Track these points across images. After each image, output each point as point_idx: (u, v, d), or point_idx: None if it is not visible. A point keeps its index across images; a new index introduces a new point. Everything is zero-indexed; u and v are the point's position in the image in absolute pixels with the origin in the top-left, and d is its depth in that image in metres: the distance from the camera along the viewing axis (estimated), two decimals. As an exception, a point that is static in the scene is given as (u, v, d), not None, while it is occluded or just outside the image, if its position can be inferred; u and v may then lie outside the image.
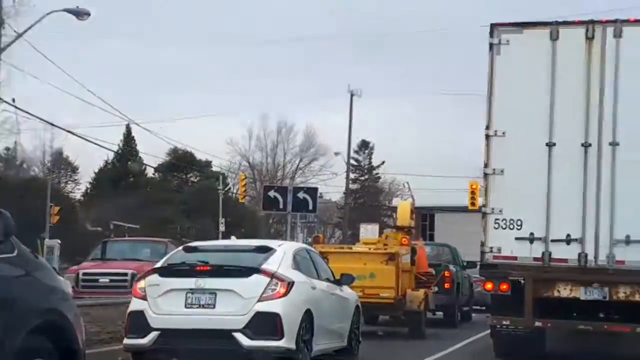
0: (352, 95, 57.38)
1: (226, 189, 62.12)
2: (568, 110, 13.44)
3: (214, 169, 69.50)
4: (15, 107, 25.82)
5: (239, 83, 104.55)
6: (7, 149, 68.69)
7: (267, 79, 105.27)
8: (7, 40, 25.19)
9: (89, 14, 28.02)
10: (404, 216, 20.59)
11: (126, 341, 11.97)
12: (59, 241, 39.97)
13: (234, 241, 13.95)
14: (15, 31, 26.14)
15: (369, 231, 20.56)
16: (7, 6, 25.48)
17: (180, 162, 65.12)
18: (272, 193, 30.96)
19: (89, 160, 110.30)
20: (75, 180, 76.12)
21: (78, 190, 75.51)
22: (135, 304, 11.91)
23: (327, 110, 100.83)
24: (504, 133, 13.61)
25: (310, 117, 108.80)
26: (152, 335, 11.52)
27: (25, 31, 26.83)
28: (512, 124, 13.62)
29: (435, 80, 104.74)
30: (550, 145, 13.45)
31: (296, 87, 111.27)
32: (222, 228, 52.05)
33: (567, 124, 13.44)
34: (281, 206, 29.75)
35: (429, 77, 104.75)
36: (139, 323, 11.67)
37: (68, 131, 39.52)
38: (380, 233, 21.11)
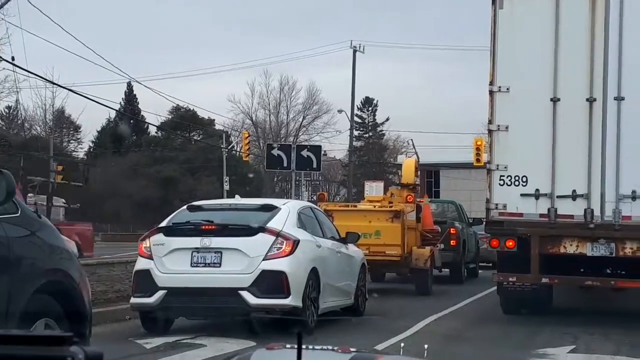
0: (354, 52, 57.00)
1: (230, 147, 62.00)
2: (572, 65, 13.29)
3: (217, 127, 69.48)
4: (14, 65, 25.60)
5: (239, 40, 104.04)
6: (9, 107, 68.75)
7: (267, 35, 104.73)
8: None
9: None
10: (408, 173, 20.55)
11: (133, 300, 12.00)
12: (64, 201, 39.95)
13: (238, 200, 13.88)
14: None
15: (373, 189, 20.54)
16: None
17: (183, 120, 65.00)
18: (275, 151, 30.84)
19: (91, 119, 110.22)
20: (78, 139, 76.15)
21: (81, 149, 75.58)
22: (142, 263, 11.91)
23: (330, 67, 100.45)
24: (507, 89, 13.48)
25: (312, 74, 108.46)
26: (159, 294, 11.53)
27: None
28: (516, 80, 13.48)
29: (439, 36, 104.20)
30: (554, 100, 13.33)
31: (298, 44, 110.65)
32: (226, 187, 52.04)
33: (572, 79, 13.29)
34: (285, 164, 29.68)
35: (432, 32, 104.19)
36: (145, 282, 11.67)
37: (68, 89, 39.40)
38: (385, 190, 21.08)
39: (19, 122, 72.39)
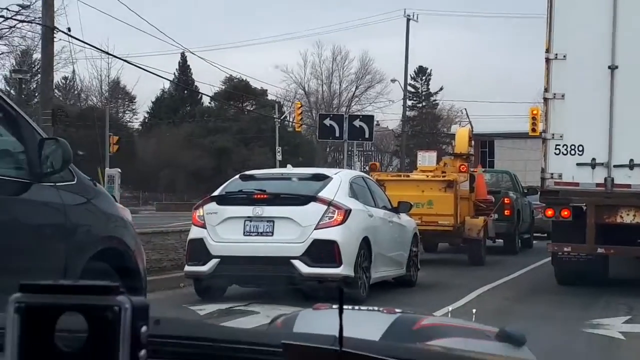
0: (408, 20, 56.52)
1: (282, 118, 62.09)
2: (631, 31, 13.02)
3: (270, 97, 69.59)
4: (71, 35, 25.84)
5: (292, 9, 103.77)
6: (65, 78, 69.61)
7: (320, 5, 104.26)
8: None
9: None
10: (462, 143, 20.39)
11: (187, 268, 12.13)
12: (119, 170, 40.45)
13: (290, 169, 13.90)
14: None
15: (426, 159, 20.43)
16: None
17: (236, 90, 65.19)
18: (327, 121, 30.80)
19: (146, 90, 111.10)
20: (133, 109, 76.84)
21: (136, 119, 76.29)
22: (195, 232, 12.02)
23: (383, 37, 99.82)
24: (564, 56, 13.27)
25: (365, 43, 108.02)
26: (212, 262, 11.64)
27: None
28: (573, 47, 13.25)
29: (493, 3, 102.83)
30: (612, 68, 13.08)
31: (350, 13, 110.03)
32: (279, 157, 52.22)
33: (630, 46, 13.03)
34: (337, 134, 29.65)
35: None
36: (199, 251, 11.79)
37: (123, 60, 39.81)
38: (438, 160, 20.95)
39: (76, 92, 73.32)
